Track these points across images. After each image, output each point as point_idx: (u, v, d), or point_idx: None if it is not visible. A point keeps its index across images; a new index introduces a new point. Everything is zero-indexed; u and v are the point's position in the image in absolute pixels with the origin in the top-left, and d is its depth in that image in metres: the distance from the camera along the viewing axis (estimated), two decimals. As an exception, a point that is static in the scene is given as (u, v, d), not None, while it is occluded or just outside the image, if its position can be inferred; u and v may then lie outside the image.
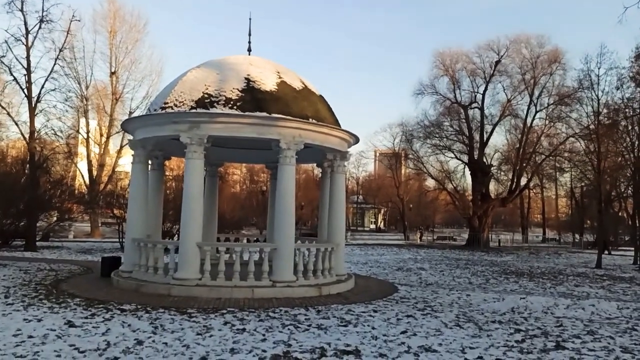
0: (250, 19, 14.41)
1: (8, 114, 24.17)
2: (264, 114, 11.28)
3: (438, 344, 7.14)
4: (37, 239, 24.59)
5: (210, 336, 7.12)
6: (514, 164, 39.74)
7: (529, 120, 39.63)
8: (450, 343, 7.24)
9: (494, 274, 18.42)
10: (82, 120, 39.97)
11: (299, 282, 11.44)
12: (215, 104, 11.34)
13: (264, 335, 7.32)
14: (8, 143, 34.44)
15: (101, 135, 41.19)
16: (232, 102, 11.36)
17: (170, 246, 11.80)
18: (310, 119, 11.89)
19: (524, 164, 39.40)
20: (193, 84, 11.92)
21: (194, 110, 11.27)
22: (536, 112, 39.68)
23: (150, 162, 14.27)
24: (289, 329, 7.75)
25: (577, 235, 48.75)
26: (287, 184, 11.61)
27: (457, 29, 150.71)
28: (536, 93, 39.35)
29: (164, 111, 11.63)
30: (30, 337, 6.68)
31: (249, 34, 14.31)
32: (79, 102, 38.44)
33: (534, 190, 53.68)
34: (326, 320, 8.60)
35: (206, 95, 11.49)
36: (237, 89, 11.64)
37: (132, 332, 7.16)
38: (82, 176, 40.74)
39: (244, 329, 7.63)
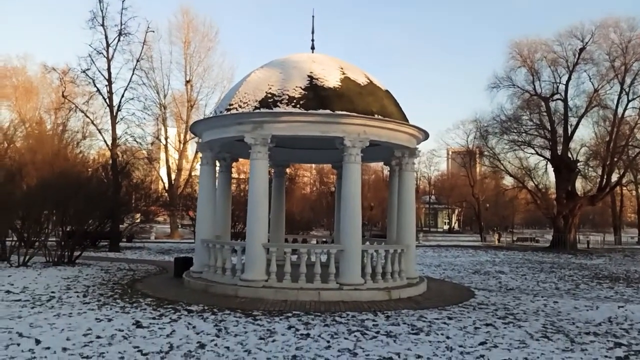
0: (313, 16, 14.13)
1: (92, 122, 25.92)
2: (327, 111, 10.93)
3: (523, 359, 6.35)
4: (120, 240, 26.13)
5: (273, 341, 6.85)
6: (604, 158, 36.34)
7: (620, 110, 36.06)
8: (538, 358, 6.42)
9: (584, 278, 16.74)
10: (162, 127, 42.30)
11: (367, 285, 10.95)
12: (278, 103, 11.17)
13: (328, 342, 6.93)
14: (98, 151, 37.15)
15: (179, 141, 43.22)
16: (295, 101, 11.14)
17: (237, 247, 11.79)
18: (376, 115, 11.37)
19: (615, 159, 35.93)
20: (256, 84, 11.85)
21: (257, 111, 11.17)
22: (628, 101, 36.03)
23: (218, 164, 14.52)
24: (355, 336, 7.30)
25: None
26: (353, 183, 11.16)
27: (529, 21, 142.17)
28: (628, 81, 35.70)
29: (228, 112, 11.65)
30: (99, 337, 6.78)
31: (312, 32, 14.07)
32: (157, 110, 40.72)
33: (627, 187, 48.95)
34: (396, 327, 8.04)
35: (269, 95, 11.36)
36: (300, 87, 11.40)
37: (196, 335, 7.07)
38: (162, 180, 42.92)
39: (308, 334, 7.30)
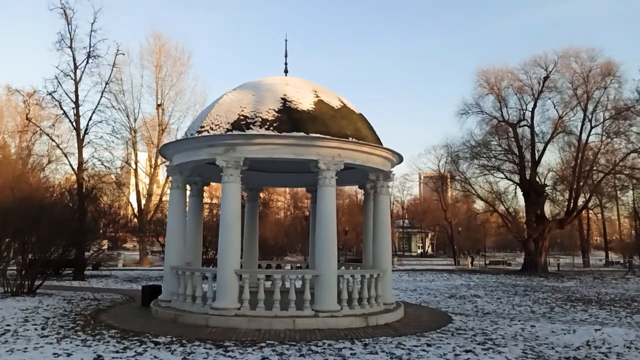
0: (286, 40, 14.12)
1: (57, 146, 25.10)
2: (301, 133, 10.78)
3: (505, 386, 6.15)
4: (86, 268, 25.02)
5: (245, 374, 6.45)
6: (570, 183, 37.31)
7: (584, 136, 37.28)
8: (520, 385, 6.22)
9: (558, 301, 16.81)
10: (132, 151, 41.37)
11: (344, 312, 10.63)
12: (251, 126, 10.96)
13: (304, 373, 6.58)
14: (65, 175, 35.91)
15: (150, 166, 42.34)
16: (268, 123, 10.96)
17: (208, 274, 11.33)
18: (350, 138, 11.28)
19: (581, 183, 36.93)
20: (229, 106, 11.64)
21: (229, 133, 10.92)
22: (591, 127, 37.29)
23: (189, 188, 14.11)
24: (332, 366, 6.97)
25: (644, 259, 45.08)
26: (327, 206, 10.95)
27: (494, 48, 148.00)
28: (590, 108, 37.07)
29: (200, 135, 11.36)
30: (54, 374, 6.25)
31: (285, 56, 14.01)
32: (127, 134, 39.91)
33: (593, 211, 50.39)
34: (374, 355, 7.74)
35: (242, 117, 11.15)
36: (274, 110, 11.24)
37: (162, 369, 6.61)
38: (132, 206, 41.77)
39: (282, 366, 6.92)
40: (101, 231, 24.58)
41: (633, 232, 57.73)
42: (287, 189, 68.89)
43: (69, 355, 7.28)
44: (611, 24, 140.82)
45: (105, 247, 30.42)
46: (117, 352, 7.55)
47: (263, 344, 8.34)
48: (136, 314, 11.75)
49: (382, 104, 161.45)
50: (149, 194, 41.26)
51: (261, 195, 55.51)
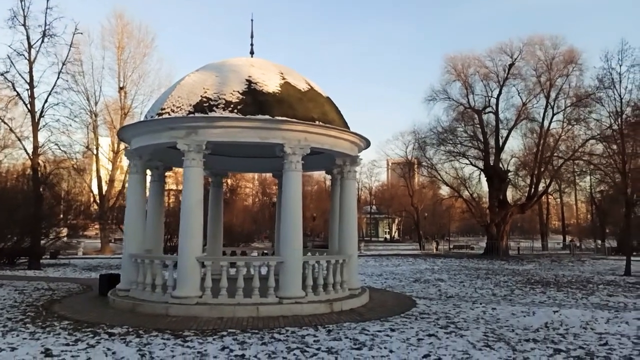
0: (252, 19, 13.66)
1: (10, 129, 23.81)
2: (266, 116, 10.47)
3: (467, 370, 6.15)
4: (42, 256, 24.04)
5: (204, 365, 6.22)
6: (532, 169, 38.36)
7: (545, 123, 38.28)
8: (481, 369, 6.24)
9: (518, 284, 17.24)
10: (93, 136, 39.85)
11: (308, 298, 10.50)
12: (214, 108, 10.56)
13: (265, 362, 6.40)
14: (23, 161, 34.21)
15: (112, 151, 40.91)
16: (232, 106, 10.58)
17: (168, 262, 10.96)
18: (317, 122, 11.05)
19: (542, 169, 38.01)
20: (191, 88, 11.17)
21: (191, 115, 10.50)
22: (553, 114, 38.34)
23: (150, 173, 13.60)
24: (294, 354, 6.81)
25: (598, 241, 47.05)
26: (293, 192, 10.73)
27: (465, 34, 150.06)
28: (552, 95, 38.05)
29: (160, 117, 10.88)
30: (-5, 370, 5.86)
31: (251, 36, 13.57)
32: (88, 117, 38.36)
33: (553, 196, 52.12)
34: (337, 342, 7.64)
35: (204, 99, 10.73)
36: (238, 92, 10.86)
37: (115, 362, 6.29)
38: (92, 192, 40.38)
39: (243, 356, 6.72)
40: (58, 218, 23.62)
41: (589, 216, 60.18)
42: (256, 175, 68.26)
43: (13, 349, 6.84)
44: (575, 11, 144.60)
45: (64, 234, 29.29)
46: (67, 344, 7.16)
47: (224, 333, 8.12)
48: (92, 304, 11.28)
49: (351, 90, 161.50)
50: (111, 180, 39.93)
51: (229, 181, 55.25)
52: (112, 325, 8.62)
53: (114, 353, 6.71)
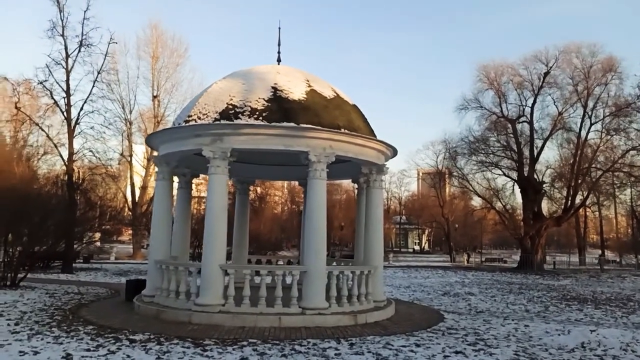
0: (279, 28, 13.65)
1: (48, 136, 24.62)
2: (291, 124, 10.38)
3: (495, 392, 5.80)
4: (75, 260, 24.66)
5: (220, 376, 6.09)
6: (569, 180, 36.98)
7: (583, 133, 36.89)
8: (511, 391, 5.87)
9: (553, 300, 16.50)
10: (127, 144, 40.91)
11: (332, 309, 10.28)
12: (239, 115, 10.56)
13: (283, 375, 6.22)
14: (61, 167, 35.34)
15: (146, 158, 41.87)
16: (257, 113, 10.55)
17: (192, 269, 10.95)
18: (343, 129, 10.89)
19: (580, 181, 36.59)
20: (217, 95, 11.23)
21: (216, 122, 10.52)
22: (591, 124, 36.89)
23: (177, 180, 13.74)
24: (314, 368, 6.61)
25: (640, 257, 44.91)
26: (318, 200, 10.57)
27: (497, 43, 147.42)
28: (590, 104, 36.66)
29: (186, 124, 10.95)
30: (15, 374, 5.88)
31: (279, 44, 13.55)
32: (122, 125, 39.42)
33: (591, 209, 50.18)
34: (360, 356, 7.39)
35: (230, 106, 10.75)
36: (263, 99, 10.83)
37: (133, 370, 6.24)
38: (126, 198, 41.36)
39: (261, 367, 6.56)
40: (91, 223, 24.18)
41: (630, 230, 57.63)
42: (285, 184, 68.58)
43: (35, 353, 6.90)
44: (613, 20, 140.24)
45: (98, 239, 29.98)
46: (88, 350, 7.18)
47: (245, 343, 7.99)
48: (118, 310, 11.38)
49: (380, 100, 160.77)
50: (144, 187, 40.81)
51: (258, 189, 55.62)
52: (135, 332, 8.63)
53: (132, 360, 6.67)
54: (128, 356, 6.88)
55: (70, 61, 23.38)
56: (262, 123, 10.38)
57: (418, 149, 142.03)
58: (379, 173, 12.27)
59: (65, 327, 8.90)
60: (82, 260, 29.35)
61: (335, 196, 67.36)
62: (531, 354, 7.86)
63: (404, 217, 79.14)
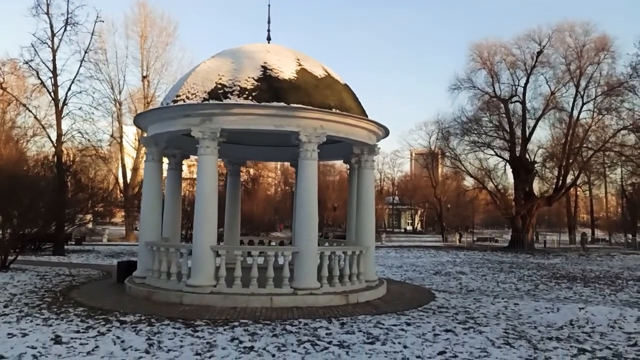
0: (269, 5, 13.37)
1: (35, 117, 24.22)
2: (282, 104, 10.23)
3: (484, 370, 5.85)
4: (66, 243, 24.55)
5: (210, 357, 6.08)
6: (560, 160, 37.15)
7: (575, 113, 36.96)
8: (500, 368, 5.93)
9: (543, 278, 16.70)
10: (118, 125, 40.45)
11: (323, 290, 10.30)
12: (229, 95, 10.38)
13: (274, 355, 6.23)
14: (43, 148, 34.94)
15: (136, 139, 41.45)
16: (247, 92, 10.37)
17: (184, 250, 10.91)
18: (334, 109, 10.76)
19: (571, 160, 36.77)
20: (206, 74, 11.01)
21: (205, 102, 10.35)
22: (583, 104, 36.94)
23: (167, 161, 13.59)
24: (304, 348, 6.62)
25: (629, 236, 45.51)
26: (309, 180, 10.49)
27: (492, 21, 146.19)
28: (582, 84, 36.63)
29: (175, 104, 10.77)
30: (2, 357, 5.83)
31: (268, 22, 13.29)
32: (112, 106, 38.89)
33: (582, 188, 50.60)
34: (350, 335, 7.42)
35: (219, 86, 10.56)
36: (253, 78, 10.64)
37: (122, 351, 6.21)
38: (117, 180, 41.06)
39: (252, 347, 6.56)
40: (82, 205, 23.99)
41: (619, 209, 58.32)
42: (279, 165, 68.37)
43: (24, 335, 6.85)
44: None
45: (89, 221, 29.82)
46: (77, 332, 7.14)
47: (236, 324, 7.99)
48: (109, 291, 11.34)
49: (372, 80, 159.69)
50: (135, 168, 40.47)
51: (251, 171, 55.38)
52: (126, 313, 8.60)
53: (122, 341, 6.64)
54: (118, 337, 6.85)
55: (56, 40, 22.88)
56: (252, 103, 10.22)
57: (411, 129, 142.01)
58: (371, 153, 12.19)
59: (55, 309, 8.86)
60: (74, 242, 29.23)
61: (329, 177, 67.39)
62: (520, 332, 7.94)
63: (396, 198, 79.47)
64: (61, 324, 7.64)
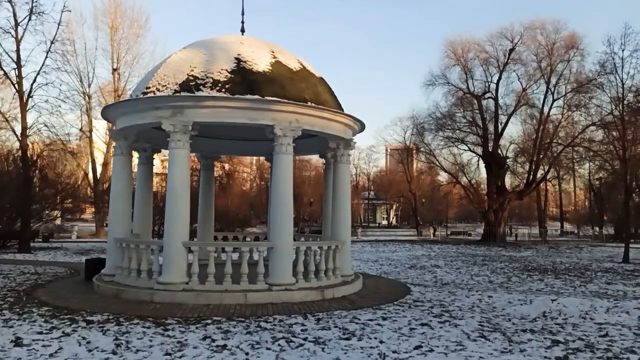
0: (243, -4, 13.05)
1: (-3, 110, 23.21)
2: (256, 96, 10.00)
3: (460, 363, 5.82)
4: (33, 240, 23.71)
5: (181, 357, 5.87)
6: (531, 155, 37.92)
7: (545, 109, 37.76)
8: (476, 361, 5.91)
9: (515, 271, 16.98)
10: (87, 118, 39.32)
11: (299, 285, 10.16)
12: (201, 87, 10.09)
13: (247, 354, 6.06)
14: (7, 143, 33.63)
15: (107, 134, 40.34)
16: (220, 85, 10.10)
17: (154, 246, 10.59)
18: (309, 102, 10.58)
19: (541, 156, 37.57)
20: (177, 66, 10.68)
21: (177, 94, 10.03)
22: (553, 100, 37.78)
23: (138, 155, 13.21)
24: (279, 345, 6.48)
25: (596, 228, 46.88)
26: (284, 175, 10.31)
27: (466, 18, 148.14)
28: (553, 81, 37.42)
29: (144, 96, 10.41)
30: (-44, 362, 5.51)
31: (242, 13, 13.02)
32: (81, 99, 37.76)
33: (552, 183, 51.78)
34: (326, 331, 7.30)
35: (191, 78, 10.25)
36: (226, 70, 10.37)
37: (88, 352, 5.93)
38: (87, 175, 39.96)
39: (224, 346, 6.37)
40: (49, 201, 23.20)
41: (587, 203, 59.99)
42: (254, 160, 67.73)
43: (-18, 338, 6.50)
44: None
45: (57, 217, 28.87)
46: (40, 333, 6.81)
47: (209, 321, 7.78)
48: (76, 290, 10.94)
49: (348, 74, 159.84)
50: (106, 163, 39.42)
51: (226, 166, 54.64)
52: (93, 312, 8.28)
53: (88, 342, 6.35)
54: (84, 338, 6.56)
55: (20, 30, 21.85)
56: (225, 95, 9.96)
57: (386, 125, 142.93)
58: (347, 148, 12.08)
59: (17, 309, 8.46)
60: (41, 240, 28.26)
61: (305, 172, 67.23)
62: (495, 324, 7.98)
63: (372, 193, 79.89)
64: (23, 324, 7.28)
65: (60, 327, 7.19)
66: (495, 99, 39.45)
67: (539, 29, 38.56)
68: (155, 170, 15.40)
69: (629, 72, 25.38)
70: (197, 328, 7.32)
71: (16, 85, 21.88)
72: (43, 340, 6.43)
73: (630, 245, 23.42)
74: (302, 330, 7.36)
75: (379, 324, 7.83)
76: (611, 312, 9.04)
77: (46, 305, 8.89)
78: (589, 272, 16.89)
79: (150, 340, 6.53)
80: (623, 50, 24.30)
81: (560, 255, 25.38)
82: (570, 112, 37.70)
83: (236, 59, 10.67)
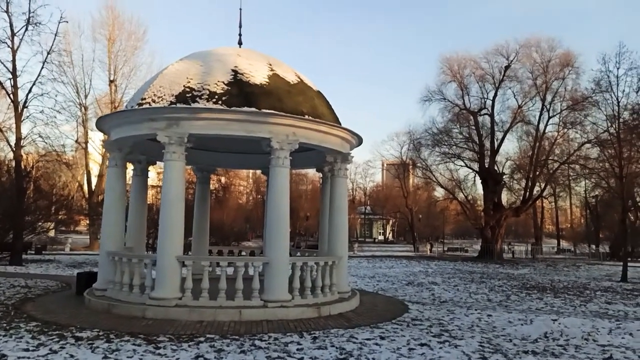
0: (240, 9, 13.05)
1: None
2: (253, 109, 9.89)
3: (462, 386, 5.61)
4: (25, 252, 23.33)
5: (172, 377, 5.64)
6: (527, 172, 37.95)
7: (541, 126, 37.94)
8: (477, 384, 5.71)
9: (514, 289, 16.76)
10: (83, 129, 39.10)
11: (295, 302, 9.94)
12: (197, 99, 9.98)
13: (240, 374, 5.84)
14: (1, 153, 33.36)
15: (102, 145, 40.12)
16: (216, 97, 10.00)
17: (147, 260, 10.36)
18: (306, 116, 10.48)
19: (537, 172, 37.61)
20: (174, 77, 10.58)
21: (172, 106, 9.90)
22: (549, 118, 37.98)
23: (132, 167, 13.03)
24: (274, 365, 6.25)
25: (592, 246, 46.75)
26: (280, 188, 10.16)
27: (462, 35, 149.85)
28: (548, 98, 37.67)
29: (140, 107, 10.28)
30: None
31: (240, 26, 12.97)
32: (77, 110, 37.59)
33: (548, 200, 51.81)
34: (322, 351, 7.08)
35: (187, 89, 10.14)
36: (223, 82, 10.28)
37: (74, 372, 5.70)
38: (82, 187, 39.63)
39: (217, 366, 6.15)
40: (43, 212, 22.88)
41: (583, 220, 59.97)
42: (251, 173, 67.64)
43: (-36, 355, 6.26)
44: (574, 14, 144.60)
45: (50, 229, 28.54)
46: (27, 350, 6.56)
47: (202, 339, 7.54)
48: (67, 304, 10.66)
49: (345, 90, 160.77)
50: (101, 175, 39.11)
51: (222, 179, 54.36)
52: (83, 328, 8.02)
53: (75, 361, 6.12)
54: (72, 356, 6.31)
55: (16, 40, 21.84)
56: (222, 107, 9.84)
57: (383, 140, 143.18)
58: (344, 162, 11.96)
59: (4, 325, 8.18)
60: (33, 252, 27.87)
61: (301, 186, 67.08)
62: (496, 345, 7.77)
63: (368, 208, 79.70)
64: (9, 341, 7.02)
65: (47, 343, 6.94)
66: (491, 116, 39.63)
67: (534, 47, 38.96)
68: (150, 182, 15.24)
69: (624, 90, 25.50)
70: (189, 346, 7.08)
71: (11, 96, 21.78)
72: (29, 357, 6.19)
73: (628, 264, 23.27)
74: (297, 349, 7.14)
75: (377, 344, 7.61)
76: (614, 333, 8.85)
77: (35, 320, 8.63)
78: (587, 291, 16.70)
79: (141, 359, 6.29)
80: (618, 69, 24.45)
81: (558, 273, 25.19)
82: (565, 130, 37.90)
83: (233, 71, 10.59)
